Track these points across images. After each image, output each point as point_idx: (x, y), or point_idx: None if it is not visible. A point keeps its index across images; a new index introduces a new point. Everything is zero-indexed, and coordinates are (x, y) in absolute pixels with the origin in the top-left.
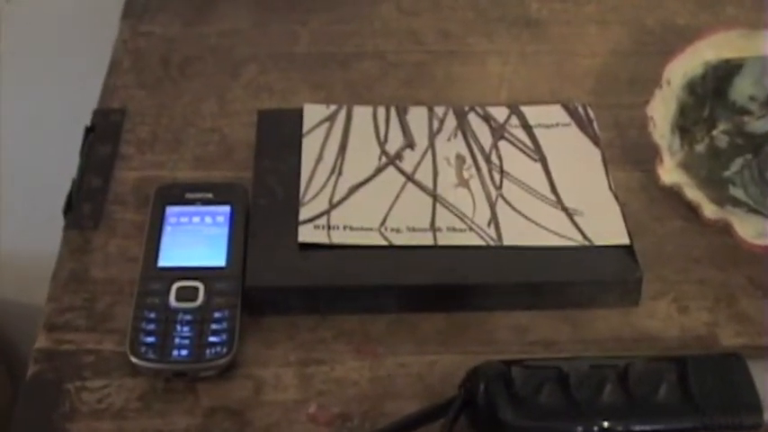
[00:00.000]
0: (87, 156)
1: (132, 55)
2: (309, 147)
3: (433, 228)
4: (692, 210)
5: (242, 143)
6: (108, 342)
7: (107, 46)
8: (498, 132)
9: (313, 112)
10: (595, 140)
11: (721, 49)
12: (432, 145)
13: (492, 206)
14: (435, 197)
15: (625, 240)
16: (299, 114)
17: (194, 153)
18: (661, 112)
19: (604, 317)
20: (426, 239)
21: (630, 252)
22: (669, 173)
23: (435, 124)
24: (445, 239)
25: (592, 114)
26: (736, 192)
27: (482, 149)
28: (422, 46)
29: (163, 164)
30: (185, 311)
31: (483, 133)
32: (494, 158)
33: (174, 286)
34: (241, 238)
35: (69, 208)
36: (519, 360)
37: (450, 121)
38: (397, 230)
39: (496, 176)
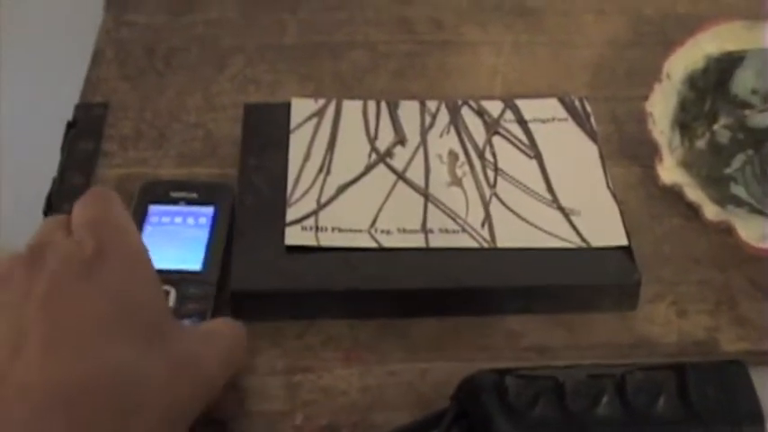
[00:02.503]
0: (69, 153)
1: (116, 46)
2: (297, 144)
3: (425, 229)
4: (692, 208)
5: (228, 139)
6: None
7: (91, 37)
8: (492, 127)
9: (301, 107)
10: (593, 136)
11: (723, 41)
12: (424, 141)
13: (486, 206)
14: (427, 196)
15: (623, 242)
16: (286, 109)
17: (179, 149)
18: (661, 107)
19: (601, 321)
20: (417, 241)
21: (629, 254)
22: (669, 172)
23: (427, 119)
24: (437, 241)
25: (589, 108)
26: (738, 190)
27: (476, 146)
28: (414, 35)
29: (146, 161)
30: None
31: (477, 128)
32: (488, 155)
33: None
34: (222, 241)
35: (50, 208)
36: (513, 369)
37: (443, 116)
38: (388, 232)
39: (490, 174)
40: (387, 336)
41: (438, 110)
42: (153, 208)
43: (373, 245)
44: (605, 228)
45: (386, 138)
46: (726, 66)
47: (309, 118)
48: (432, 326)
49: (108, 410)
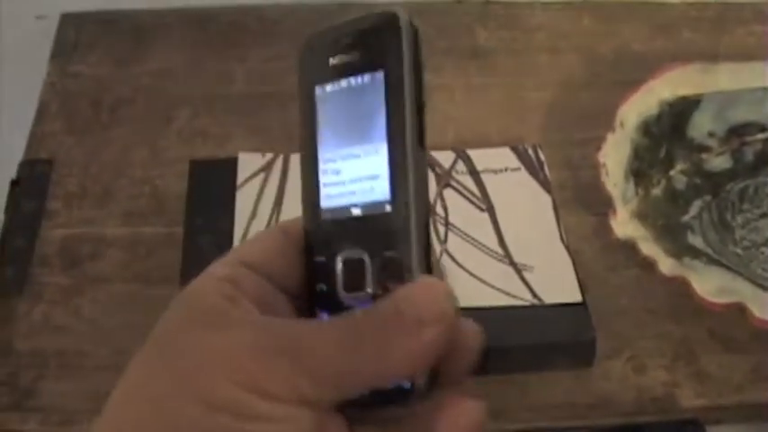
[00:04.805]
0: (12, 213)
1: (60, 98)
2: (243, 201)
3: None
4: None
5: (175, 195)
6: (32, 421)
7: (36, 90)
8: (444, 180)
9: (248, 162)
10: (546, 186)
11: (677, 86)
12: None
13: (436, 263)
14: None
15: (577, 298)
16: (233, 164)
17: (124, 207)
18: (614, 157)
19: (556, 381)
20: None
21: (583, 310)
22: (623, 225)
23: None
24: None
25: (542, 156)
26: (695, 240)
27: None
28: None
29: (92, 220)
30: None
31: None
32: (438, 209)
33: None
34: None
35: None
36: None
37: None
38: None
39: (441, 229)
40: None
41: None
42: (319, 90)
43: None
44: (559, 283)
45: None
46: (681, 110)
47: (256, 173)
48: None
49: None
